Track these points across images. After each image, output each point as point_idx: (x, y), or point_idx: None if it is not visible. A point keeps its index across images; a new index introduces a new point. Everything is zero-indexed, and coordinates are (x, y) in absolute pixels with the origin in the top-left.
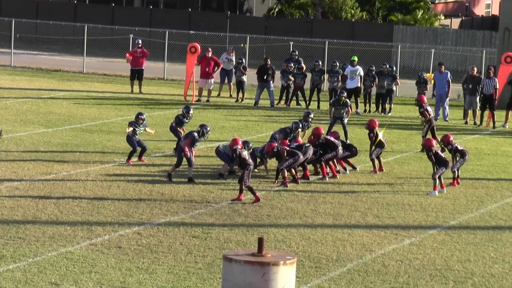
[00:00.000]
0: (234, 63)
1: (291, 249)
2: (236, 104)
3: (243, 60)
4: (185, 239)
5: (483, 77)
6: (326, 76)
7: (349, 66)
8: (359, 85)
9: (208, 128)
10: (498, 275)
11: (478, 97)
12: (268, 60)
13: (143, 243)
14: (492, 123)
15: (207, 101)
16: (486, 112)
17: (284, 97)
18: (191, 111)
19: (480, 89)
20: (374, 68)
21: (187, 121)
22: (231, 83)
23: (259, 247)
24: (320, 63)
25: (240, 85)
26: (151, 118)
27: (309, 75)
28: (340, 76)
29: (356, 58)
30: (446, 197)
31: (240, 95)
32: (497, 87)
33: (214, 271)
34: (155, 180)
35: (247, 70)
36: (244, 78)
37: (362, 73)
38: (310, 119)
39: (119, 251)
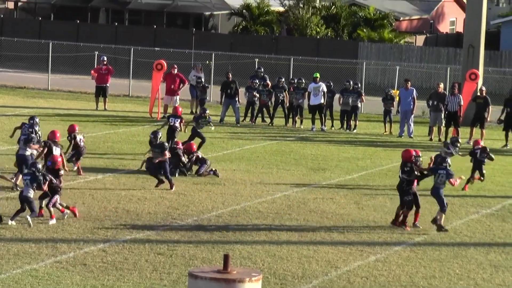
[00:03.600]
0: (203, 80)
1: (257, 265)
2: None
3: (202, 80)
4: (150, 256)
5: (447, 94)
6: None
7: (312, 83)
8: (322, 102)
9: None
10: None
11: (443, 113)
12: (230, 74)
13: (108, 260)
14: None
15: None
16: (451, 129)
17: (249, 114)
18: (159, 135)
19: (444, 106)
20: (332, 84)
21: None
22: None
23: (225, 264)
24: (283, 79)
25: (202, 103)
26: (116, 135)
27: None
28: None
29: (318, 75)
30: (411, 214)
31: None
32: (462, 103)
33: None
34: (121, 197)
35: (207, 88)
36: (205, 96)
37: (325, 90)
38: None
39: (84, 269)
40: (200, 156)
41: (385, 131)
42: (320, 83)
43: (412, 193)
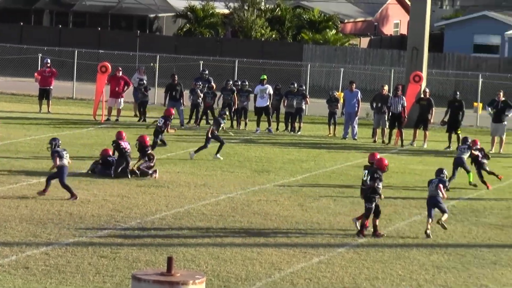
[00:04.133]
0: (145, 82)
1: (200, 268)
2: (144, 123)
3: (145, 82)
4: (93, 259)
5: (391, 96)
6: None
7: (259, 85)
8: (268, 104)
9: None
10: None
11: (387, 115)
12: (176, 76)
13: (51, 263)
14: (400, 142)
15: (117, 120)
16: (395, 131)
17: (194, 117)
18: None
19: (388, 107)
20: (281, 86)
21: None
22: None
23: (168, 267)
24: (231, 82)
25: (142, 105)
26: (60, 138)
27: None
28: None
29: (265, 77)
30: (355, 215)
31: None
32: (405, 105)
33: None
34: (64, 200)
35: (149, 90)
36: (147, 98)
37: (271, 92)
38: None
39: (26, 272)
40: (151, 153)
41: (329, 133)
42: (267, 85)
43: (375, 201)
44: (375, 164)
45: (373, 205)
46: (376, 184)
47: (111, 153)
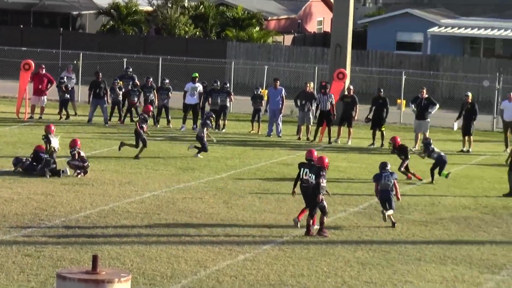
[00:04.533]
0: (75, 80)
1: (126, 266)
2: (68, 121)
3: (65, 79)
4: (17, 258)
5: (318, 94)
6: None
7: (190, 83)
8: (199, 102)
9: None
10: None
11: (315, 113)
12: (100, 74)
13: None
14: (328, 139)
15: (40, 118)
16: (321, 128)
17: (117, 114)
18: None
19: (316, 105)
20: (206, 84)
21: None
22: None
23: (93, 265)
24: (152, 79)
25: (64, 103)
26: None
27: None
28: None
29: (197, 75)
30: (280, 213)
31: (64, 112)
32: (334, 103)
33: None
34: None
35: (69, 88)
36: (67, 96)
37: (202, 90)
38: None
39: None
40: (81, 154)
41: (252, 130)
42: (198, 83)
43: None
44: (315, 162)
45: (325, 202)
46: (321, 181)
47: (44, 149)
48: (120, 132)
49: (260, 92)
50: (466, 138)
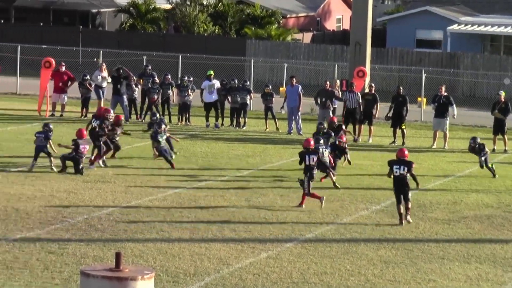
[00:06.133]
0: (108, 79)
1: (149, 263)
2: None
3: (88, 77)
4: (41, 255)
5: (345, 92)
6: (175, 90)
7: (206, 81)
8: (217, 99)
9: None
10: (354, 287)
11: (342, 111)
12: (121, 70)
13: None
14: (355, 136)
15: (61, 115)
16: (350, 127)
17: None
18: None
19: (343, 103)
20: (226, 81)
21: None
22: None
23: (117, 262)
24: (170, 76)
25: (86, 102)
26: (4, 133)
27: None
28: (190, 90)
29: (212, 72)
30: (302, 211)
31: (85, 110)
32: (360, 101)
33: (71, 286)
34: (10, 195)
35: (92, 85)
36: (90, 94)
37: (219, 86)
38: None
39: None
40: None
41: (266, 128)
42: (215, 80)
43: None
44: (404, 158)
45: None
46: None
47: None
48: (140, 130)
49: (270, 88)
50: (497, 137)
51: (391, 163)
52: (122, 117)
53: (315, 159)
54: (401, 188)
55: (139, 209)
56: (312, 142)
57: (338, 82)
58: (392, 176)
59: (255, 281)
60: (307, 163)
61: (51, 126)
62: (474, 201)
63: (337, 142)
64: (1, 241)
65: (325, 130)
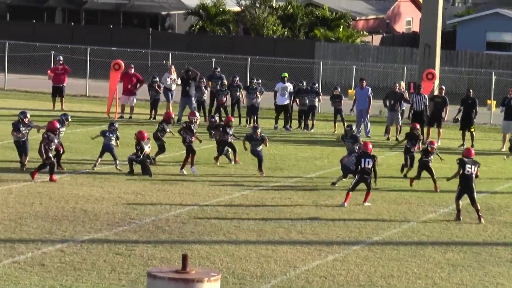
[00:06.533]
0: (177, 81)
1: (215, 265)
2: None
3: (158, 79)
4: (108, 256)
5: (412, 94)
6: (244, 92)
7: (280, 83)
8: (288, 102)
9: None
10: None
11: (409, 113)
12: (190, 72)
13: (66, 260)
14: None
15: (130, 117)
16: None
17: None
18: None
19: (410, 105)
20: (295, 84)
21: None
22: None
23: (183, 264)
24: (238, 78)
25: (154, 104)
26: (73, 135)
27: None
28: (258, 93)
29: (286, 75)
30: (369, 213)
31: (153, 112)
32: (427, 103)
33: None
34: (78, 197)
35: (161, 88)
36: (158, 96)
37: (292, 90)
38: None
39: (42, 269)
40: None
41: (335, 130)
42: (288, 83)
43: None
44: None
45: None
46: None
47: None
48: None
49: (338, 90)
50: None
51: (462, 162)
52: (173, 115)
53: (371, 163)
54: (467, 187)
55: (206, 211)
56: (370, 146)
57: (403, 84)
58: (459, 175)
59: (321, 284)
60: (362, 165)
61: (117, 125)
62: None
63: (429, 148)
64: (69, 242)
65: (353, 134)
